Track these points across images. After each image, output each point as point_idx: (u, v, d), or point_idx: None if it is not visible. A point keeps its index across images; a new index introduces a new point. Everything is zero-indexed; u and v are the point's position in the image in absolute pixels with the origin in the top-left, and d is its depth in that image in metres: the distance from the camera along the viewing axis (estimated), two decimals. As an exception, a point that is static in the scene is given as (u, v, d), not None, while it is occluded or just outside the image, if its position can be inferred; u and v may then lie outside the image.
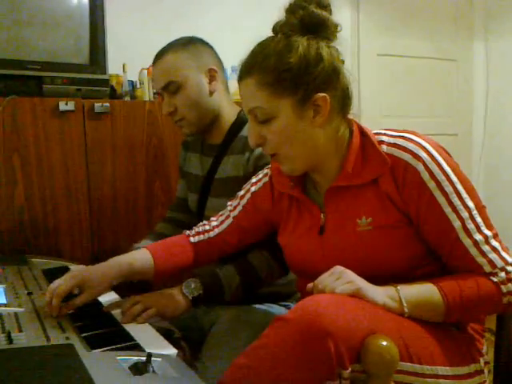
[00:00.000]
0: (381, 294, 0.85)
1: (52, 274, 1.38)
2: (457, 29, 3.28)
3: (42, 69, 1.69)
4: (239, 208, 1.19)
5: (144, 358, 0.79)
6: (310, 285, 0.87)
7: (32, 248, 1.67)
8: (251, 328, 1.22)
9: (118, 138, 1.79)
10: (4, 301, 1.05)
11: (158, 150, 1.86)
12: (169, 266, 1.19)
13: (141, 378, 0.74)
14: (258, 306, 1.31)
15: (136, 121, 1.82)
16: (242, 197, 1.20)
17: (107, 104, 1.74)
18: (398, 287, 0.86)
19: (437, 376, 0.82)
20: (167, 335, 1.02)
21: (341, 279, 0.84)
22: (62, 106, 1.67)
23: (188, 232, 1.27)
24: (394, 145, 0.92)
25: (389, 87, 3.07)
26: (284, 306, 1.35)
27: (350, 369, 0.75)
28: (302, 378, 0.75)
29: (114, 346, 0.87)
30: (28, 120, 1.65)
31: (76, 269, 1.45)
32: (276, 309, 1.33)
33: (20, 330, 0.90)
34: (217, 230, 1.23)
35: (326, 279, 0.85)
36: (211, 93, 1.34)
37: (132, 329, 0.98)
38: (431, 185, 0.88)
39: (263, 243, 1.24)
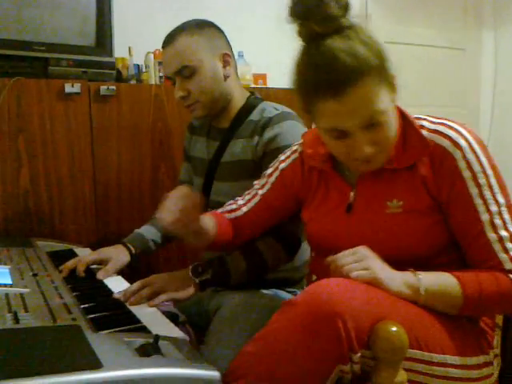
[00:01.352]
0: (397, 282, 0.84)
1: (57, 257, 1.39)
2: (465, 17, 3.24)
3: (47, 50, 1.67)
4: (267, 186, 1.17)
5: (151, 340, 0.79)
6: (330, 258, 0.87)
7: (37, 231, 1.67)
8: (257, 313, 1.21)
9: (124, 122, 1.78)
10: (9, 281, 1.05)
11: (164, 135, 1.85)
12: (224, 236, 1.16)
13: (148, 360, 0.74)
14: (264, 291, 1.31)
15: (142, 105, 1.80)
16: (270, 175, 1.18)
17: (113, 87, 1.73)
18: (419, 274, 0.86)
19: (445, 365, 0.82)
20: (172, 319, 1.01)
21: (361, 263, 0.83)
22: (68, 88, 1.65)
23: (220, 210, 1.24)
24: (435, 131, 0.92)
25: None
26: (290, 292, 1.35)
27: (359, 353, 0.74)
28: (313, 362, 0.74)
29: (120, 328, 0.87)
30: (33, 102, 1.64)
31: (82, 252, 1.45)
32: (283, 295, 1.32)
33: (26, 311, 0.90)
34: (244, 209, 1.20)
35: (346, 258, 0.85)
36: (225, 78, 1.32)
37: (138, 311, 0.98)
38: (466, 174, 0.89)
39: (270, 229, 1.24)
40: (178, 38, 1.28)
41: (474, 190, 0.89)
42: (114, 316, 0.94)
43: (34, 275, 1.13)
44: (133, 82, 1.94)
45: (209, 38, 1.30)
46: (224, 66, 1.32)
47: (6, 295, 0.97)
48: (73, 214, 1.73)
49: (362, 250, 0.86)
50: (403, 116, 0.96)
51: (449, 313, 0.87)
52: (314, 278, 1.33)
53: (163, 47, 1.31)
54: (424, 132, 0.93)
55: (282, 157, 1.17)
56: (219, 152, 1.36)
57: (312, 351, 0.74)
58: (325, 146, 0.99)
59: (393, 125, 0.90)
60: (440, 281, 0.87)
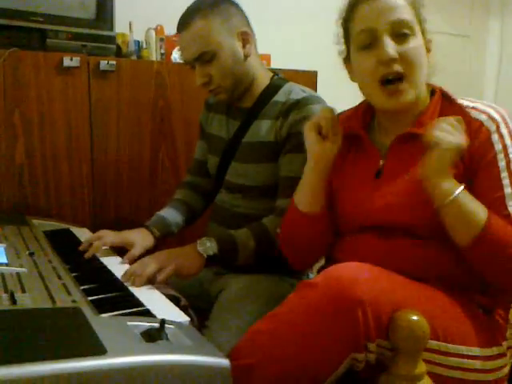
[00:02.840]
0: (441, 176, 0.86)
1: (54, 236, 1.34)
2: (472, 4, 3.18)
3: (45, 21, 1.60)
4: None
5: (155, 325, 0.75)
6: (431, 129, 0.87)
7: (31, 208, 1.61)
8: (261, 297, 1.19)
9: (124, 99, 1.72)
10: (5, 260, 1.00)
11: (165, 114, 1.79)
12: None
13: (154, 345, 0.70)
14: (269, 275, 1.27)
15: (143, 81, 1.74)
16: None
17: (113, 62, 1.66)
18: (460, 187, 0.87)
19: (463, 356, 0.79)
20: (174, 303, 0.98)
21: (453, 135, 0.85)
22: (67, 62, 1.59)
23: None
24: (473, 108, 0.96)
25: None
26: (297, 278, 1.32)
27: (376, 342, 0.71)
28: (328, 347, 0.72)
29: (123, 312, 0.82)
30: (30, 75, 1.57)
31: (80, 232, 1.41)
32: (288, 280, 1.29)
33: (23, 291, 0.85)
34: None
35: (441, 133, 0.86)
36: (246, 57, 1.27)
37: (141, 294, 0.94)
38: (497, 147, 0.92)
39: (276, 209, 1.21)
40: (192, 22, 1.22)
41: (502, 164, 0.91)
42: (116, 298, 0.90)
43: (31, 254, 1.08)
44: (133, 58, 1.87)
45: (225, 16, 1.24)
46: (243, 45, 1.27)
47: (2, 275, 0.92)
48: (69, 193, 1.67)
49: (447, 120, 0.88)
50: (444, 94, 1.02)
51: (462, 239, 0.86)
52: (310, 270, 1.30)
53: (178, 32, 1.26)
54: (462, 108, 0.97)
55: None
56: (240, 132, 1.32)
57: (328, 336, 0.71)
58: (360, 118, 1.05)
59: (422, 55, 0.96)
60: (474, 203, 0.87)
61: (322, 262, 1.14)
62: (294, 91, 1.28)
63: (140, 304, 0.88)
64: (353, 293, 0.69)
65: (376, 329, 0.70)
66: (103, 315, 0.80)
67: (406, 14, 0.94)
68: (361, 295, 0.69)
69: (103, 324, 0.74)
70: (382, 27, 0.93)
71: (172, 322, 0.78)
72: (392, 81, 0.93)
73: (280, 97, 1.29)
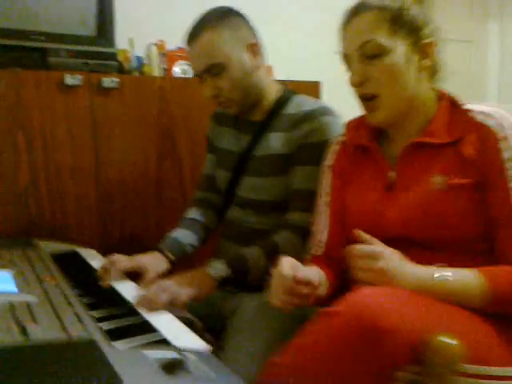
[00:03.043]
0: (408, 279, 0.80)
1: (61, 259, 1.31)
2: (471, 8, 3.17)
3: (46, 40, 1.58)
4: (327, 189, 1.10)
5: (174, 354, 0.72)
6: (351, 248, 0.82)
7: (37, 230, 1.58)
8: (277, 317, 1.15)
9: (127, 116, 1.69)
10: (14, 289, 0.97)
11: (169, 129, 1.76)
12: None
13: (175, 378, 0.66)
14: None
15: (146, 98, 1.71)
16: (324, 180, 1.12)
17: (116, 79, 1.64)
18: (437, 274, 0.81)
19: (503, 377, 0.75)
20: (188, 326, 0.95)
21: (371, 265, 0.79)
22: (68, 80, 1.56)
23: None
24: (481, 112, 0.93)
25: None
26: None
27: (407, 370, 0.68)
28: (353, 379, 0.68)
29: (140, 343, 0.79)
30: (32, 94, 1.54)
31: (87, 253, 1.38)
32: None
33: (35, 322, 0.82)
34: (325, 232, 1.09)
35: (362, 259, 0.80)
36: (254, 69, 1.25)
37: (155, 320, 0.90)
38: (506, 154, 0.88)
39: (286, 223, 1.19)
40: (201, 35, 1.20)
41: (510, 173, 0.87)
42: (131, 326, 0.86)
43: (40, 281, 1.05)
44: (135, 74, 1.85)
45: (233, 29, 1.22)
46: (252, 57, 1.25)
47: (12, 305, 0.88)
48: (74, 213, 1.64)
49: (382, 253, 0.81)
50: (450, 99, 0.99)
51: (474, 306, 0.81)
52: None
53: (187, 45, 1.24)
54: (471, 113, 0.94)
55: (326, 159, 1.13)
56: (252, 145, 1.29)
57: (355, 369, 0.67)
58: (368, 127, 1.02)
59: (396, 71, 0.93)
60: (460, 273, 0.82)
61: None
62: (305, 103, 1.27)
63: (156, 331, 0.84)
64: (379, 322, 0.65)
65: (407, 356, 0.67)
66: (118, 345, 0.77)
67: (375, 34, 0.93)
68: (388, 324, 0.65)
69: (119, 355, 0.71)
70: (352, 52, 0.96)
71: (192, 351, 0.75)
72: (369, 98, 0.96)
73: (290, 109, 1.27)
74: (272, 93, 1.30)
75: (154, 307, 0.95)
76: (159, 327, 0.86)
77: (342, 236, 1.05)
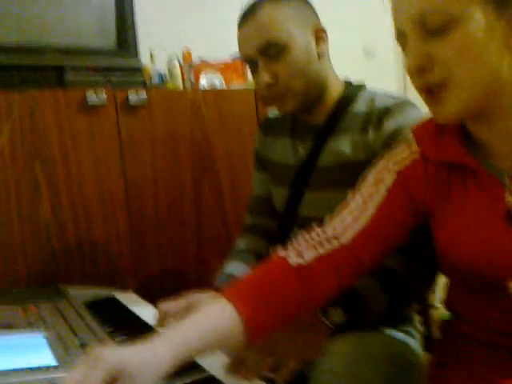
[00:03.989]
0: None
1: (98, 309, 1.10)
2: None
3: (62, 56, 1.40)
4: (377, 197, 0.83)
5: None
6: None
7: (64, 275, 1.37)
8: (374, 362, 0.93)
9: (157, 134, 1.50)
10: (53, 360, 0.74)
11: (204, 147, 1.56)
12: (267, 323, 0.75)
13: None
14: (373, 331, 1.01)
15: (177, 113, 1.52)
16: (376, 183, 0.85)
17: (144, 95, 1.44)
18: None
19: None
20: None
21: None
22: (91, 98, 1.37)
23: (282, 252, 0.82)
24: None
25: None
26: (404, 331, 1.05)
27: None
28: None
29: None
30: (50, 118, 1.35)
31: (126, 298, 1.16)
32: (398, 335, 1.03)
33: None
34: (343, 240, 0.83)
35: None
36: (320, 57, 1.05)
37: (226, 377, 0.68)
38: None
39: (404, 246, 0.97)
40: (259, 10, 1.01)
41: None
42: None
43: (82, 345, 0.82)
44: (159, 89, 1.66)
45: (298, 9, 1.04)
46: (317, 43, 1.05)
47: (53, 386, 0.66)
48: (105, 251, 1.44)
49: None
50: None
51: None
52: (444, 315, 1.04)
53: (240, 27, 1.04)
54: None
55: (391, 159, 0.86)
56: (314, 154, 1.08)
57: None
58: (450, 136, 0.78)
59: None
60: None
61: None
62: (378, 98, 1.06)
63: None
64: None
65: None
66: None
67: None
68: None
69: None
70: (409, 26, 0.71)
71: None
72: None
73: (360, 107, 1.06)
74: (336, 88, 1.10)
75: (248, 377, 0.72)
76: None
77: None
